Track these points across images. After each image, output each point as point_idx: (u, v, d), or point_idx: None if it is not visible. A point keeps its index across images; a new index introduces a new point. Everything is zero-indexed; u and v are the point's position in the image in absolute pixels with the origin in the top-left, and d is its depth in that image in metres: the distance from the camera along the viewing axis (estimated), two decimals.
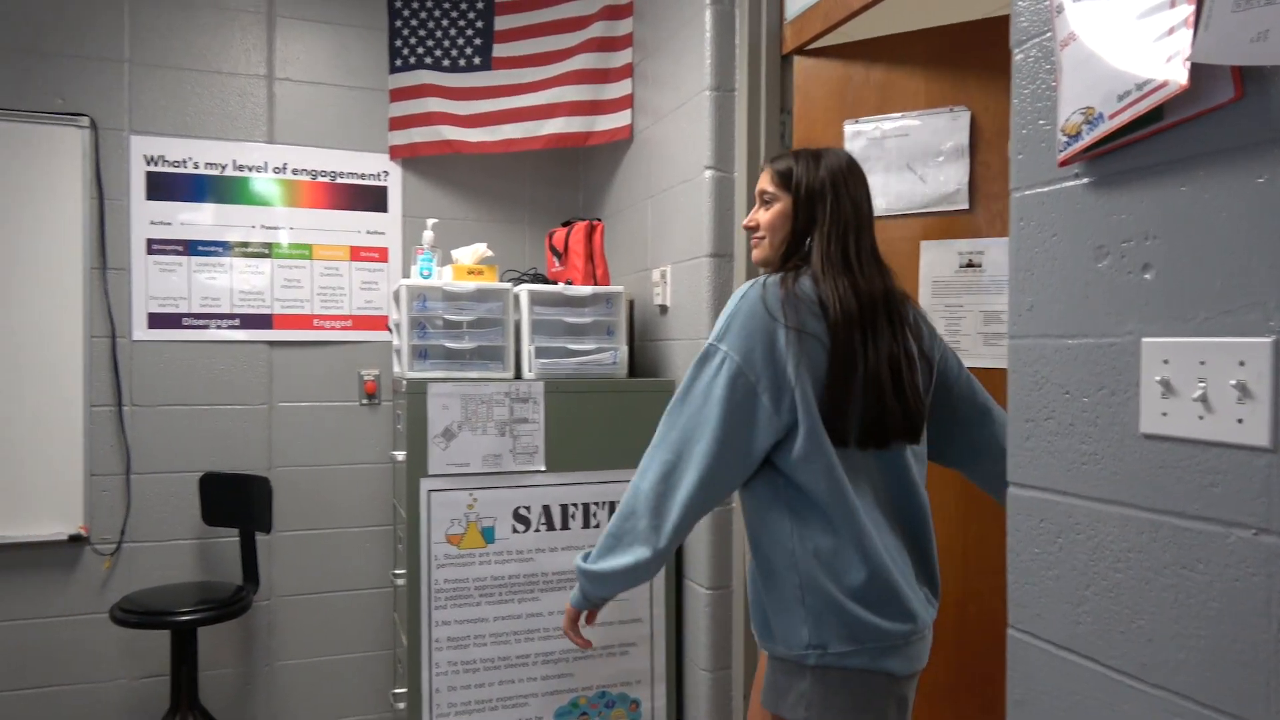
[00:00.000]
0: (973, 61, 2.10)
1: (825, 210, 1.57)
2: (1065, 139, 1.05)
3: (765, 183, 1.65)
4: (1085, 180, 1.06)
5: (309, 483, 3.26)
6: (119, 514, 3.05)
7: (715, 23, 2.46)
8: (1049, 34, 1.10)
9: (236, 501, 3.06)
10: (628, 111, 3.07)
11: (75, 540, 2.97)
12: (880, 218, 2.19)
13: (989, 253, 2.06)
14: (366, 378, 3.33)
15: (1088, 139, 1.02)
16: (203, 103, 3.15)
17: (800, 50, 2.33)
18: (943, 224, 2.13)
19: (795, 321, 1.46)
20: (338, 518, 3.30)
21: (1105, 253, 1.03)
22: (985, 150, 2.08)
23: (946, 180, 2.11)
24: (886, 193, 2.20)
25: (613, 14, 3.08)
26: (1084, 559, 1.05)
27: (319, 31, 3.28)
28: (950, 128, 2.12)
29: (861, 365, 1.48)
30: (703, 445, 1.46)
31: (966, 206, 2.09)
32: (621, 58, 3.09)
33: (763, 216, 1.64)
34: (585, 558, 1.59)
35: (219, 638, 3.14)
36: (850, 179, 1.61)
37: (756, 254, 1.68)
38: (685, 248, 2.62)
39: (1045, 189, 1.11)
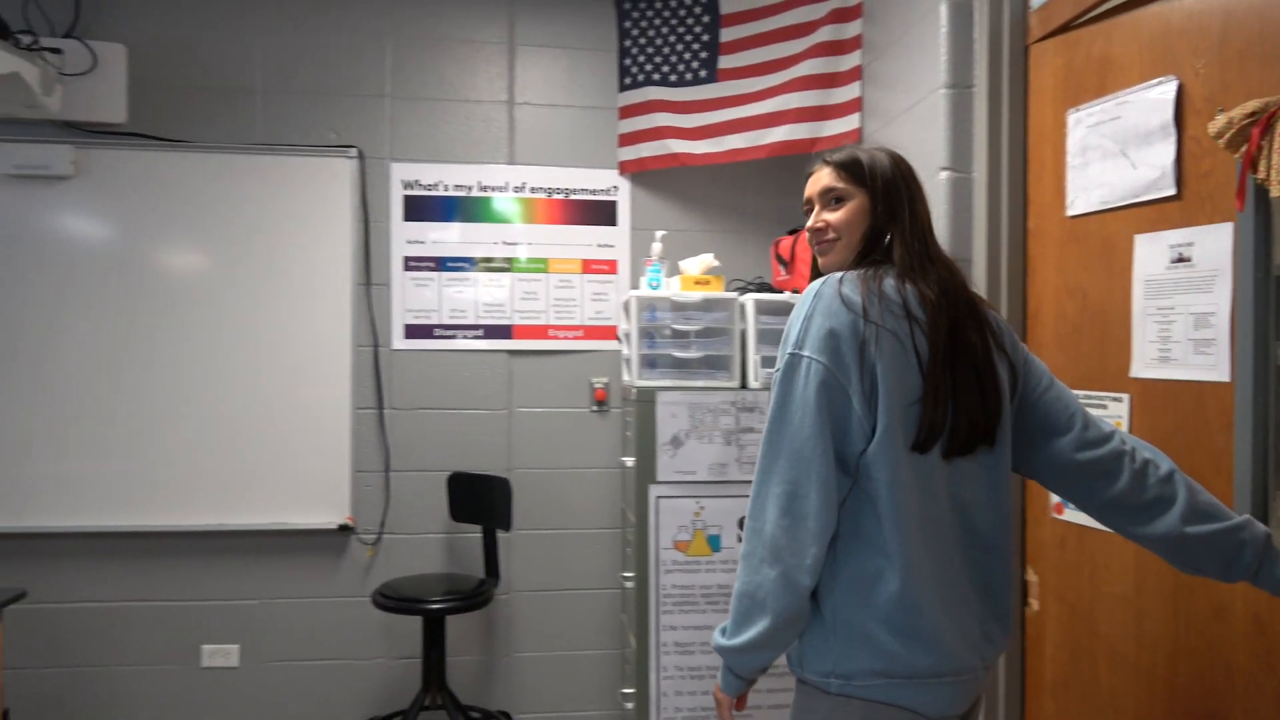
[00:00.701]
0: (1180, 15, 1.79)
1: (904, 204, 1.47)
2: None
3: (829, 179, 1.52)
4: None
5: (544, 485, 3.44)
6: (379, 507, 3.35)
7: (951, 17, 2.35)
8: None
9: (480, 500, 3.27)
10: (856, 115, 3.00)
11: (343, 530, 3.30)
12: (1095, 213, 1.99)
13: (1199, 244, 1.73)
14: (597, 385, 3.46)
15: None
16: (452, 129, 3.41)
17: (1044, 39, 2.18)
18: (1153, 214, 1.84)
19: (878, 317, 1.36)
20: (571, 519, 3.45)
21: None
22: (1194, 122, 1.76)
23: (1153, 163, 1.84)
24: (1102, 184, 1.96)
25: (841, 17, 3.03)
26: None
27: (554, 56, 3.46)
28: (1157, 102, 1.83)
29: (952, 367, 1.37)
30: (816, 466, 1.34)
31: (1174, 192, 1.79)
32: (850, 60, 3.02)
33: (833, 216, 1.51)
34: (723, 632, 1.42)
35: (464, 627, 3.37)
36: (913, 173, 1.52)
37: (828, 259, 1.53)
38: None
39: None
